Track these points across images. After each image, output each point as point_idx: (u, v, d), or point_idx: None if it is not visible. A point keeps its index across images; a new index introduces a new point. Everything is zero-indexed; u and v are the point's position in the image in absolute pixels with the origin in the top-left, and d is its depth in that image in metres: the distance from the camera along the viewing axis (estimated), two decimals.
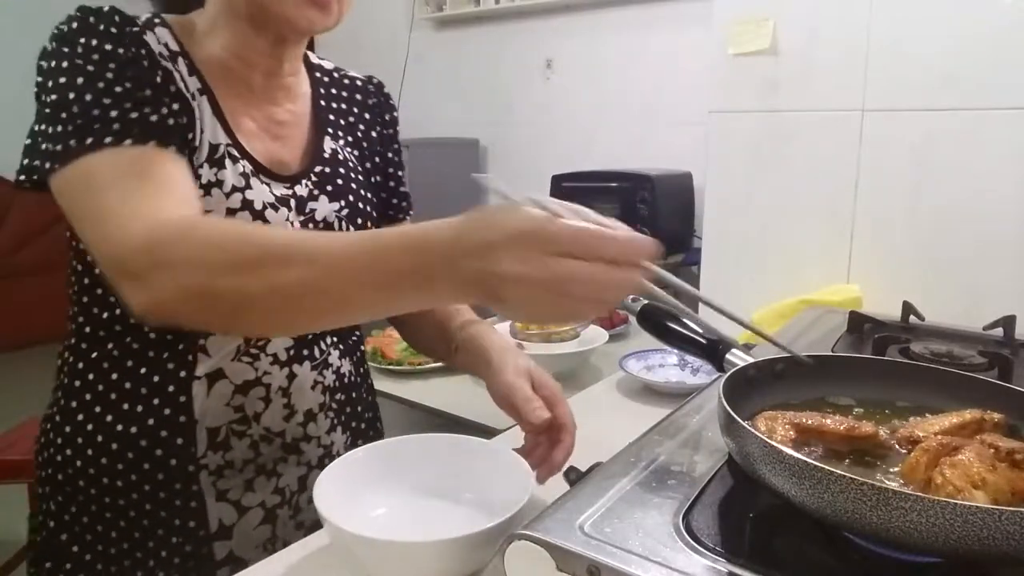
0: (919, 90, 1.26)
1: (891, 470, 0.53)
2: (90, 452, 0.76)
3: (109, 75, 0.67)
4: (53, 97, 0.66)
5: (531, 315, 0.54)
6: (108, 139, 0.64)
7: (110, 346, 0.76)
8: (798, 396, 0.64)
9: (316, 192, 0.82)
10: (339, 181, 0.85)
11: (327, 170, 0.84)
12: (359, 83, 0.95)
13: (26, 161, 0.67)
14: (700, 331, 0.78)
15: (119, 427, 0.76)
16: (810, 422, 0.55)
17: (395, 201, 0.98)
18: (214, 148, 0.74)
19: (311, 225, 0.81)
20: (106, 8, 0.71)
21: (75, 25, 0.69)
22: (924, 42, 1.24)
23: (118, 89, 0.67)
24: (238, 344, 0.77)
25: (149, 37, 0.74)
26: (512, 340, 1.40)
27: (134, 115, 0.66)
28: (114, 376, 0.76)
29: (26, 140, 0.68)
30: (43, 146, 0.66)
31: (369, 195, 0.89)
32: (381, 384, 1.43)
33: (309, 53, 0.90)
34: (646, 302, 0.85)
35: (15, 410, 1.96)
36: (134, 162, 0.64)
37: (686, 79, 2.46)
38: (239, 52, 0.78)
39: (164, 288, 0.56)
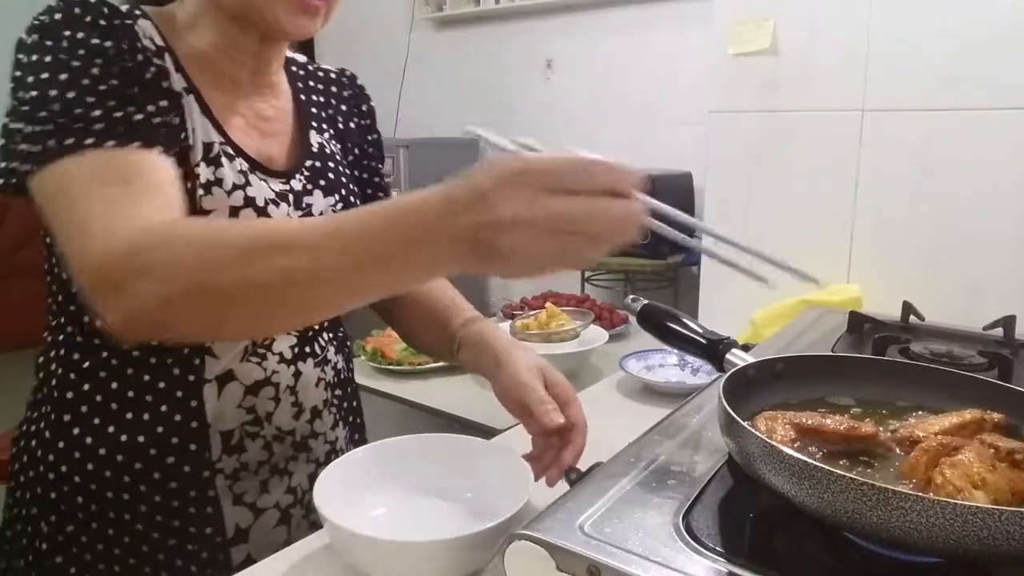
0: (919, 90, 1.26)
1: (891, 470, 0.53)
2: (90, 467, 0.73)
3: (95, 71, 0.64)
4: (33, 93, 0.63)
5: (534, 261, 0.50)
6: (89, 140, 0.61)
7: (105, 354, 0.73)
8: (798, 396, 0.64)
9: (310, 187, 0.81)
10: (330, 175, 0.84)
11: (317, 164, 0.83)
12: (332, 75, 0.93)
13: (3, 164, 0.64)
14: (700, 331, 0.78)
15: (123, 437, 0.73)
16: (810, 422, 0.55)
17: (370, 191, 0.96)
18: (208, 147, 0.72)
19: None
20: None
21: (58, 16, 0.65)
22: (924, 42, 1.24)
23: (103, 87, 0.64)
24: (246, 344, 0.76)
25: (140, 27, 0.70)
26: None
27: (118, 114, 0.63)
28: (113, 385, 0.73)
29: (0, 139, 0.64)
30: (21, 146, 0.62)
31: (355, 188, 0.89)
32: (381, 384, 1.43)
33: None
34: (646, 302, 0.85)
35: (14, 412, 1.97)
36: (116, 165, 0.61)
37: (686, 79, 2.46)
38: (225, 49, 0.76)
39: (147, 295, 0.53)
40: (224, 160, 0.72)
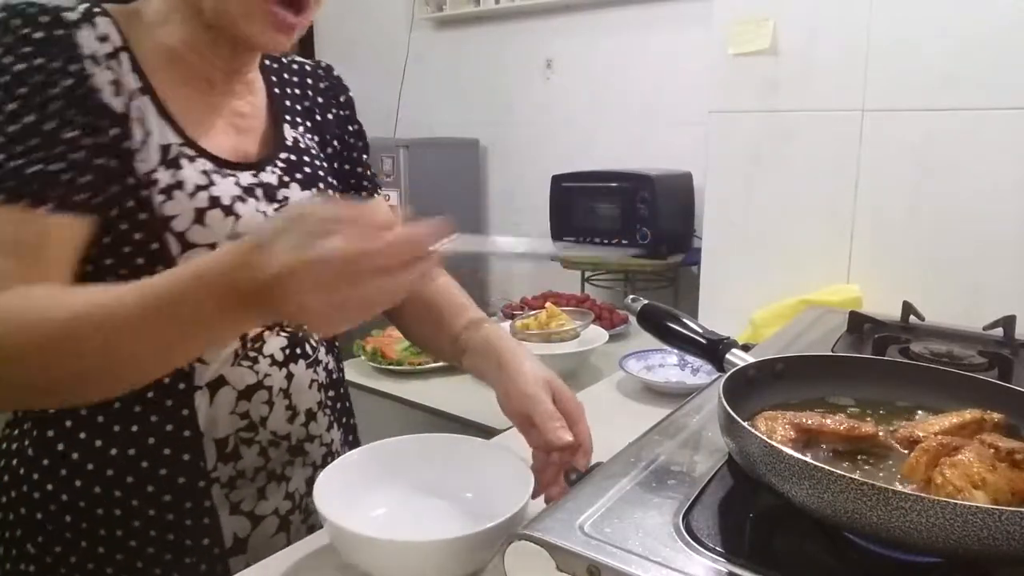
0: (919, 90, 1.26)
1: (891, 470, 0.53)
2: (78, 484, 0.71)
3: (12, 106, 0.61)
4: None
5: (327, 330, 0.57)
6: None
7: None
8: (798, 396, 0.64)
9: (287, 179, 0.79)
10: (307, 169, 0.82)
11: (292, 158, 0.81)
12: (308, 68, 0.91)
13: None
14: (700, 331, 0.78)
15: (112, 451, 0.71)
16: (810, 422, 0.55)
17: (354, 181, 0.94)
18: (165, 149, 0.69)
19: None
20: (30, 7, 0.65)
21: None
22: (924, 42, 1.24)
23: (11, 128, 0.61)
24: (235, 347, 0.74)
25: (83, 35, 0.67)
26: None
27: (15, 164, 0.60)
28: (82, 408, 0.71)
29: None
30: None
31: (334, 181, 0.87)
32: (381, 384, 1.43)
33: None
34: (646, 302, 0.85)
35: None
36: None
37: (686, 79, 2.46)
38: (198, 49, 0.73)
39: None
40: (184, 161, 0.70)
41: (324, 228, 0.49)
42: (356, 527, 0.62)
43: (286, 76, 0.88)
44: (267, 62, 0.86)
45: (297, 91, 0.88)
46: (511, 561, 0.48)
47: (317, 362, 0.83)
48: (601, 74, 2.73)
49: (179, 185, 0.69)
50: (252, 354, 0.76)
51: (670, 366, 1.25)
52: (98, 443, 0.71)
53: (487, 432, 1.02)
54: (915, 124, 1.27)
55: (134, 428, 0.71)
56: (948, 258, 1.26)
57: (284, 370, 0.78)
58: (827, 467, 0.44)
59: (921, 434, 0.54)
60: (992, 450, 0.49)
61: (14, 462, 0.73)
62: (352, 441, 0.92)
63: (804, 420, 0.56)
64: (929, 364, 0.78)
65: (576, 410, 0.72)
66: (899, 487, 0.46)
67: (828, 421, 0.55)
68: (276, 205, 0.76)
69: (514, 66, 2.97)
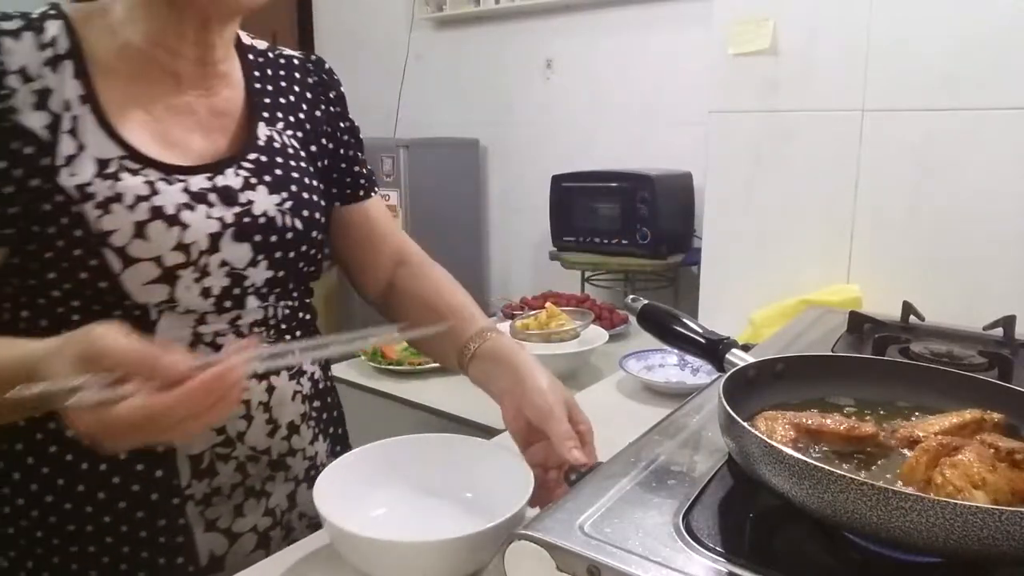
0: (919, 90, 1.26)
1: (891, 470, 0.53)
2: (49, 499, 0.69)
3: None
4: None
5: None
6: None
7: None
8: (798, 396, 0.64)
9: (253, 181, 0.74)
10: (278, 171, 0.77)
11: (263, 158, 0.76)
12: (296, 62, 0.86)
13: None
14: (700, 331, 0.78)
15: (84, 466, 0.69)
16: (810, 422, 0.55)
17: (350, 180, 0.90)
18: (103, 163, 0.66)
19: (247, 219, 0.72)
20: None
21: None
22: (924, 42, 1.24)
23: None
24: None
25: (16, 46, 0.65)
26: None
27: None
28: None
29: None
30: None
31: (315, 183, 0.81)
32: (381, 384, 1.43)
33: (241, 33, 0.82)
34: (646, 302, 0.85)
35: None
36: None
37: (686, 79, 2.46)
38: (161, 40, 0.70)
39: None
40: (124, 173, 0.66)
41: (121, 378, 0.51)
42: (356, 527, 0.62)
43: (270, 71, 0.83)
44: (251, 56, 0.82)
45: (282, 84, 0.83)
46: (511, 561, 0.48)
47: (301, 372, 0.81)
48: (601, 74, 2.73)
49: (117, 198, 0.65)
50: None
51: (670, 366, 1.25)
52: (69, 457, 0.69)
53: (487, 432, 1.02)
54: (915, 124, 1.27)
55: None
56: (948, 258, 1.26)
57: (265, 383, 0.75)
58: (827, 467, 0.44)
59: (921, 434, 0.54)
60: (992, 450, 0.49)
61: None
62: (339, 452, 0.88)
63: (804, 420, 0.56)
64: (929, 364, 0.78)
65: (587, 433, 0.71)
66: (899, 487, 0.46)
67: (828, 421, 0.55)
68: (238, 209, 0.72)
69: (514, 66, 2.97)
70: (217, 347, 0.72)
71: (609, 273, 2.58)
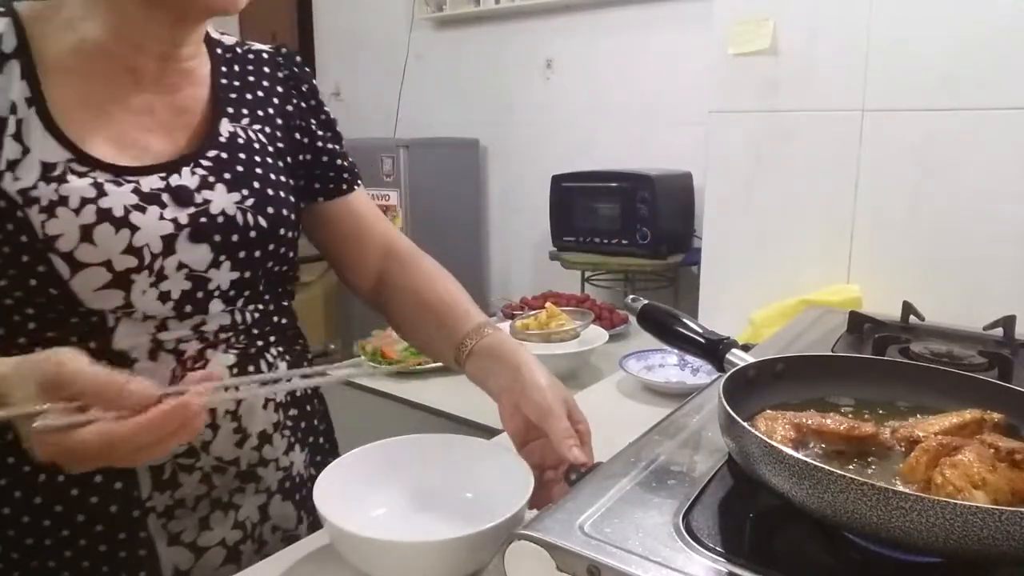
0: (919, 90, 1.26)
1: (891, 470, 0.53)
2: (6, 511, 0.67)
3: None
4: None
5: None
6: None
7: None
8: (798, 396, 0.64)
9: (211, 179, 0.71)
10: (239, 168, 0.74)
11: (223, 155, 0.73)
12: (266, 56, 0.84)
13: None
14: (700, 331, 0.78)
15: (40, 478, 0.67)
16: (810, 422, 0.55)
17: (332, 175, 0.87)
18: (49, 167, 0.63)
19: (203, 219, 0.70)
20: None
21: None
22: (924, 42, 1.24)
23: None
24: (172, 368, 0.69)
25: None
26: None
27: None
28: None
29: None
30: None
31: (283, 179, 0.79)
32: (381, 384, 1.43)
33: (209, 28, 0.79)
34: (646, 302, 0.85)
35: None
36: None
37: (686, 79, 2.46)
38: (125, 35, 0.67)
39: None
40: (71, 176, 0.64)
41: (81, 405, 0.52)
42: (356, 527, 0.62)
43: (237, 67, 0.80)
44: (218, 51, 0.80)
45: (250, 80, 0.80)
46: (511, 561, 0.48)
47: (275, 380, 0.77)
48: (601, 74, 2.74)
49: (62, 201, 0.63)
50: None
51: (670, 366, 1.25)
52: (26, 469, 0.67)
53: (487, 432, 1.02)
54: (915, 124, 1.27)
55: None
56: (948, 258, 1.26)
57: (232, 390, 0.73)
58: (827, 467, 0.44)
59: (921, 434, 0.54)
60: (992, 450, 0.49)
61: None
62: (320, 463, 0.84)
63: (804, 420, 0.56)
64: (929, 364, 0.78)
65: (586, 433, 0.70)
66: (899, 487, 0.46)
67: (828, 421, 0.55)
68: (192, 209, 0.69)
69: (514, 66, 2.97)
70: (180, 354, 0.70)
71: (609, 273, 2.58)
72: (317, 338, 2.73)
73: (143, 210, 0.67)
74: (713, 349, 0.75)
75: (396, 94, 3.31)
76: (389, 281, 0.88)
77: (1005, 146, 1.19)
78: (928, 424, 0.56)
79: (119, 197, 0.66)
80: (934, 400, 0.63)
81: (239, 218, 0.72)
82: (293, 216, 0.78)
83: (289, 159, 0.82)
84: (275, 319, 0.80)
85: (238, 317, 0.74)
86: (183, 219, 0.69)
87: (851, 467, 0.53)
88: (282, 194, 0.77)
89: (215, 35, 0.81)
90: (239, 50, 0.82)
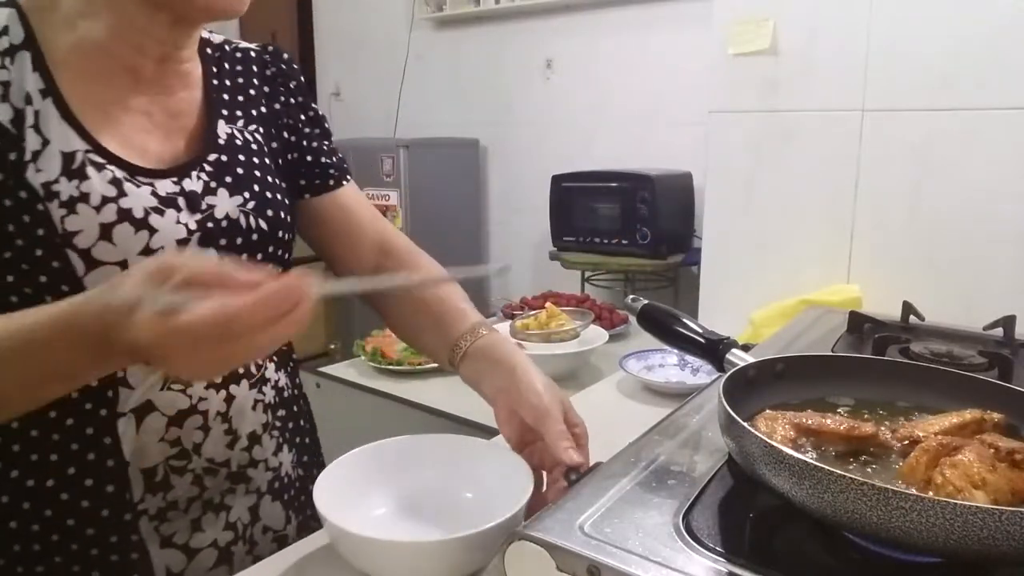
0: (919, 90, 1.26)
1: (891, 470, 0.53)
2: None
3: None
4: None
5: (205, 380, 0.66)
6: None
7: None
8: (798, 396, 0.64)
9: (213, 185, 0.72)
10: (239, 170, 0.74)
11: (223, 158, 0.73)
12: (253, 54, 0.83)
13: None
14: (700, 331, 0.78)
15: (29, 482, 0.66)
16: (810, 422, 0.55)
17: (318, 171, 0.86)
18: (69, 157, 0.63)
19: (210, 224, 0.70)
20: None
21: None
22: (924, 42, 1.24)
23: None
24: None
25: None
26: (514, 342, 1.40)
27: None
28: (14, 425, 0.65)
29: None
30: None
31: (278, 181, 0.79)
32: (381, 384, 1.43)
33: None
34: (646, 302, 0.85)
35: None
36: None
37: (686, 79, 2.46)
38: (126, 36, 0.66)
39: None
40: (91, 170, 0.64)
41: (189, 287, 0.48)
42: (356, 527, 0.62)
43: (227, 65, 0.79)
44: (208, 51, 0.79)
45: (240, 80, 0.80)
46: (511, 561, 0.48)
47: (264, 380, 0.77)
48: (601, 74, 2.74)
49: (84, 197, 0.63)
50: None
51: (670, 366, 1.25)
52: (13, 473, 0.66)
53: (487, 432, 1.02)
54: (915, 124, 1.27)
55: (53, 457, 0.66)
56: (948, 258, 1.26)
57: (223, 392, 0.72)
58: (827, 467, 0.44)
59: (921, 434, 0.54)
60: (992, 450, 0.49)
61: None
62: (307, 463, 0.86)
63: (804, 420, 0.56)
64: (929, 364, 0.78)
65: (582, 435, 0.70)
66: (899, 487, 0.46)
67: (828, 421, 0.55)
68: (199, 216, 0.70)
69: (514, 66, 2.97)
70: None
71: (609, 273, 2.58)
72: (317, 338, 2.73)
73: (161, 213, 0.67)
74: (713, 349, 0.75)
75: (396, 94, 3.31)
76: None
77: (1005, 146, 1.19)
78: (928, 424, 0.56)
79: (138, 198, 0.66)
80: (934, 400, 0.63)
81: (242, 222, 0.73)
82: (289, 218, 0.78)
83: (280, 160, 0.82)
84: None
85: None
86: (192, 224, 0.69)
87: (851, 467, 0.53)
88: (279, 196, 0.77)
89: (204, 34, 0.80)
90: (227, 48, 0.82)
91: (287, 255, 0.79)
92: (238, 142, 0.76)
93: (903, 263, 1.31)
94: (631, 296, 0.88)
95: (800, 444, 0.54)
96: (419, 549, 0.61)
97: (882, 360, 0.74)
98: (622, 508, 0.52)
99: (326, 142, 0.88)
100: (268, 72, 0.83)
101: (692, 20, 2.40)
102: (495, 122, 3.08)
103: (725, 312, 1.51)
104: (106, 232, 0.63)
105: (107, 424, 0.67)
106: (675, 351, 1.08)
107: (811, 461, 0.45)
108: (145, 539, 0.69)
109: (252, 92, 0.81)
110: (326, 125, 0.88)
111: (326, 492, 0.66)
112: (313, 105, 0.87)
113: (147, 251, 0.65)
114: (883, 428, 0.57)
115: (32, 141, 0.62)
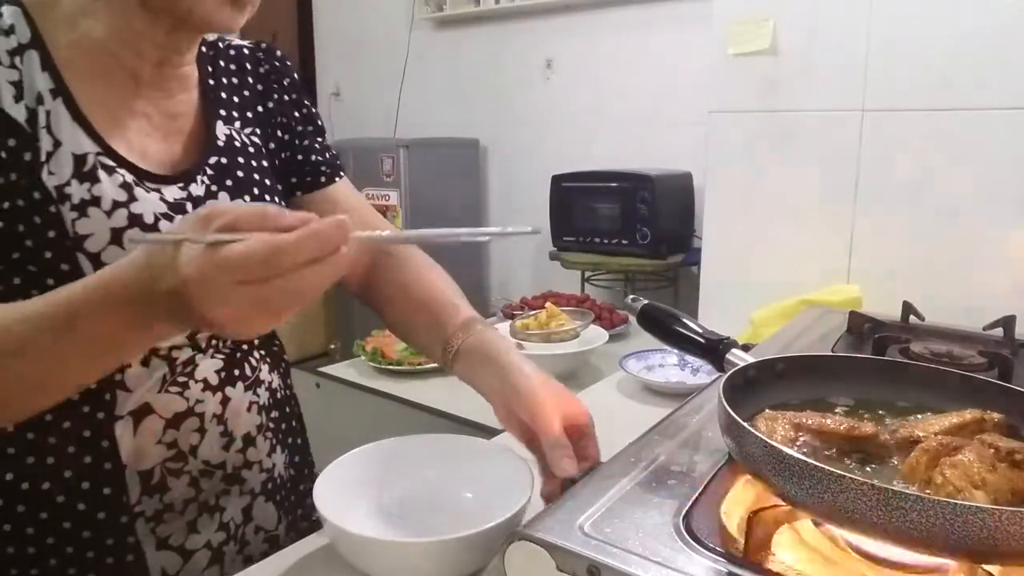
0: (919, 90, 1.26)
1: (891, 470, 0.53)
2: None
3: None
4: None
5: (245, 333, 0.58)
6: None
7: None
8: (798, 396, 0.64)
9: (215, 188, 0.72)
10: (239, 173, 0.74)
11: (223, 161, 0.73)
12: (247, 51, 0.82)
13: None
14: (700, 331, 0.78)
15: (24, 485, 0.65)
16: (810, 422, 0.55)
17: (308, 168, 0.85)
18: (80, 160, 0.63)
19: None
20: None
21: None
22: (924, 42, 1.24)
23: None
24: (163, 373, 0.68)
25: None
26: (512, 340, 1.40)
27: None
28: (9, 428, 0.65)
29: None
30: None
31: (275, 184, 0.79)
32: (381, 384, 1.43)
33: None
34: (646, 302, 0.85)
35: None
36: None
37: (686, 79, 2.46)
38: (124, 38, 0.66)
39: None
40: (102, 173, 0.63)
41: (230, 229, 0.47)
42: (356, 527, 0.62)
43: (222, 63, 0.79)
44: (203, 50, 0.78)
45: (235, 80, 0.79)
46: (511, 561, 0.48)
47: (258, 382, 0.78)
48: (601, 74, 2.74)
49: (95, 201, 0.62)
50: (182, 379, 0.70)
51: (670, 366, 1.25)
52: (8, 476, 0.66)
53: (487, 432, 1.02)
54: (915, 124, 1.27)
55: (49, 460, 0.66)
56: (948, 258, 1.26)
57: (219, 394, 0.72)
58: (827, 467, 0.44)
59: (921, 434, 0.54)
60: (992, 450, 0.49)
61: None
62: (299, 463, 0.86)
63: (804, 420, 0.56)
64: (929, 364, 0.78)
65: (586, 422, 0.69)
66: (899, 487, 0.46)
67: (828, 421, 0.55)
68: None
69: (514, 66, 2.97)
70: (172, 360, 0.69)
71: (609, 273, 2.58)
72: (317, 338, 2.73)
73: (171, 219, 0.67)
74: (713, 349, 0.75)
75: (396, 94, 3.30)
76: (378, 275, 0.87)
77: (1005, 146, 1.19)
78: (928, 424, 0.56)
79: (149, 204, 0.66)
80: (934, 400, 0.63)
81: None
82: None
83: (276, 161, 0.82)
84: None
85: None
86: None
87: (851, 467, 0.53)
88: (276, 199, 0.77)
89: None
90: (221, 46, 0.81)
91: None
92: (236, 144, 0.76)
93: (903, 263, 1.31)
94: (631, 296, 0.88)
95: (800, 444, 0.54)
96: (419, 549, 0.61)
97: (882, 360, 0.74)
98: (622, 508, 0.52)
99: (319, 139, 0.87)
100: (261, 70, 0.83)
101: (692, 20, 2.40)
102: (495, 122, 3.08)
103: (725, 312, 1.51)
104: (116, 237, 0.63)
105: (104, 427, 0.66)
106: (675, 351, 1.08)
107: (811, 461, 0.45)
108: (141, 541, 0.69)
109: (247, 93, 0.80)
110: (319, 122, 0.88)
111: (326, 492, 0.66)
112: (306, 102, 0.87)
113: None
114: (883, 428, 0.57)
115: (45, 142, 0.62)
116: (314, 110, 0.88)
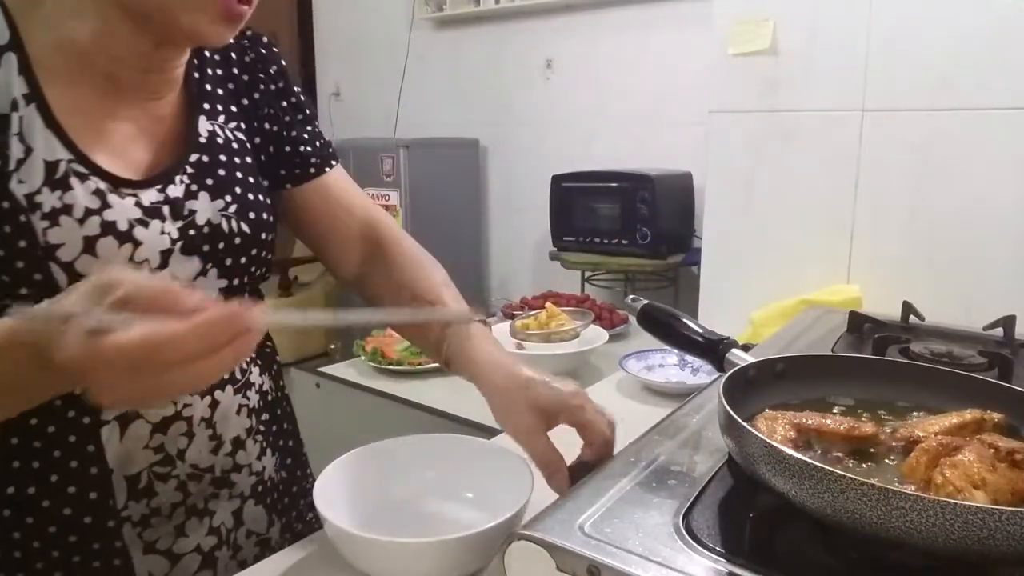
0: (919, 90, 1.26)
1: (891, 470, 0.53)
2: None
3: None
4: None
5: (148, 408, 0.63)
6: None
7: None
8: (798, 396, 0.64)
9: (194, 188, 0.69)
10: (221, 171, 0.72)
11: (204, 158, 0.71)
12: (232, 41, 0.76)
13: None
14: (700, 331, 0.78)
15: (10, 490, 0.64)
16: (810, 422, 0.55)
17: (298, 160, 0.82)
18: (52, 167, 0.61)
19: (192, 232, 0.68)
20: None
21: None
22: (924, 42, 1.24)
23: None
24: None
25: None
26: (511, 340, 1.40)
27: None
28: None
29: None
30: None
31: (260, 181, 0.77)
32: (381, 384, 1.43)
33: None
34: (646, 302, 0.85)
35: None
36: None
37: (686, 79, 2.46)
38: (108, 44, 0.64)
39: None
40: (75, 181, 0.61)
41: (127, 306, 0.45)
42: (356, 527, 0.62)
43: (207, 54, 0.76)
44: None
45: (220, 71, 0.77)
46: (511, 561, 0.48)
47: (248, 385, 0.77)
48: (601, 74, 2.74)
49: (66, 209, 0.60)
50: None
51: (670, 366, 1.25)
52: None
53: (487, 432, 1.02)
54: (915, 124, 1.27)
55: (35, 464, 0.65)
56: (948, 258, 1.26)
57: (208, 398, 0.71)
58: (827, 467, 0.44)
59: (921, 434, 0.54)
60: (992, 450, 0.49)
61: None
62: (291, 465, 0.85)
63: (804, 420, 0.56)
64: (929, 364, 0.78)
65: (580, 404, 0.69)
66: (899, 487, 0.46)
67: (828, 421, 0.55)
68: (181, 223, 0.67)
69: (514, 66, 2.97)
70: None
71: (609, 273, 2.58)
72: (316, 338, 2.73)
73: (146, 224, 0.65)
74: (713, 349, 0.75)
75: (396, 94, 3.30)
76: (373, 266, 0.86)
77: (1005, 146, 1.19)
78: (928, 424, 0.56)
79: (123, 210, 0.64)
80: (934, 400, 0.63)
81: (224, 226, 0.71)
82: (272, 219, 0.77)
83: (262, 155, 0.80)
84: None
85: None
86: (175, 233, 0.67)
87: (851, 467, 0.53)
88: (261, 197, 0.75)
89: None
90: None
91: (270, 256, 0.78)
92: (219, 140, 0.74)
93: (903, 263, 1.31)
94: (631, 296, 0.88)
95: (800, 444, 0.54)
96: (419, 549, 0.61)
97: (882, 360, 0.74)
98: (622, 508, 0.52)
99: (308, 127, 0.85)
100: (247, 59, 0.80)
101: (692, 20, 2.40)
102: (495, 122, 3.08)
103: (725, 312, 1.51)
104: (89, 245, 0.62)
105: (90, 431, 0.65)
106: (675, 351, 1.08)
107: (811, 461, 0.45)
108: (128, 545, 0.68)
109: (232, 85, 0.78)
110: (308, 110, 0.85)
111: (326, 492, 0.66)
112: (295, 89, 0.84)
113: (130, 264, 0.64)
114: (883, 428, 0.57)
115: (16, 149, 0.60)
116: (303, 97, 0.85)
